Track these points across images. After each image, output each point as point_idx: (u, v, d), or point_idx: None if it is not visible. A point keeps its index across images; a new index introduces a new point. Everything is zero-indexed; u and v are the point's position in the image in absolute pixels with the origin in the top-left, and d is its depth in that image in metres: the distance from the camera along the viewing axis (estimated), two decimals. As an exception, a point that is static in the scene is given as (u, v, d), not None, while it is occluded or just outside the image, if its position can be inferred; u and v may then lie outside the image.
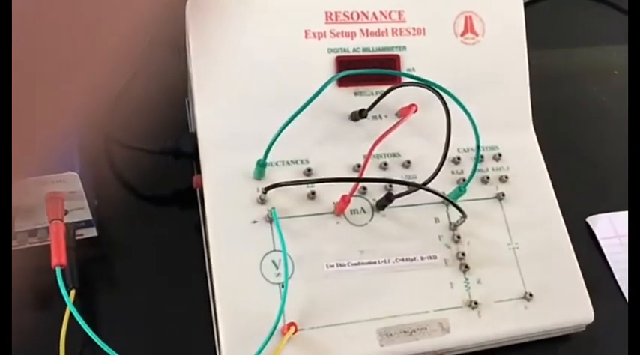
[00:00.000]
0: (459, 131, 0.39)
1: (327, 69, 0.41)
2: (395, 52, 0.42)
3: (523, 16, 0.45)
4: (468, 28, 0.43)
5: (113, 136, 0.45)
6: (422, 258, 0.39)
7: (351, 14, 0.42)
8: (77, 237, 0.39)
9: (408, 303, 0.38)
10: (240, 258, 0.37)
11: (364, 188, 0.40)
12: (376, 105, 0.41)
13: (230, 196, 0.38)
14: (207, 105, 0.39)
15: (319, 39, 0.41)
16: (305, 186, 0.39)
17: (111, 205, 0.42)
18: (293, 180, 0.38)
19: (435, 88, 0.39)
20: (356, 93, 0.41)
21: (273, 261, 0.37)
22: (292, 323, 0.35)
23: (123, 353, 0.33)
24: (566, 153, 0.51)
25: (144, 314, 0.39)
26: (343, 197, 0.38)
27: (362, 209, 0.40)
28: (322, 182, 0.38)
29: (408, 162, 0.41)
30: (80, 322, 0.34)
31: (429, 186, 0.38)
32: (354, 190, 0.38)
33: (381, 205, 0.39)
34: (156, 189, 0.45)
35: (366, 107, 0.41)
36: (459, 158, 0.42)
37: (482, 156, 0.43)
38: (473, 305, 0.38)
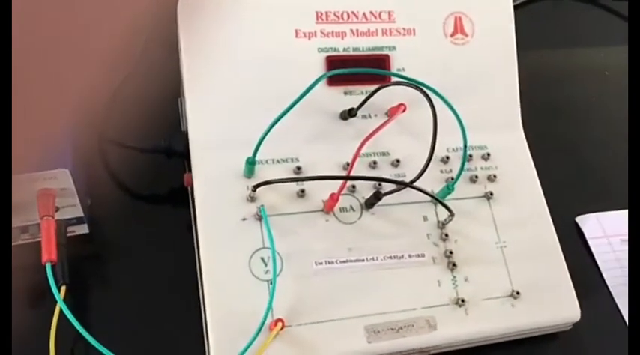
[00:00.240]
0: (447, 130, 0.39)
1: (317, 68, 0.41)
2: (385, 52, 0.42)
3: (513, 16, 0.45)
4: (458, 28, 0.44)
5: (107, 135, 0.45)
6: (410, 256, 0.39)
7: (342, 14, 0.42)
8: (68, 234, 0.39)
9: (395, 300, 0.38)
10: (230, 255, 0.37)
11: (353, 186, 0.40)
12: (366, 105, 0.41)
13: (220, 194, 0.38)
14: (197, 104, 0.40)
15: (309, 39, 0.41)
16: (294, 183, 0.39)
17: (103, 203, 0.42)
18: (282, 177, 0.38)
19: (422, 87, 0.39)
20: (346, 93, 0.42)
21: (262, 258, 0.37)
22: (280, 320, 0.36)
23: (113, 350, 0.33)
24: (556, 153, 0.51)
25: (134, 311, 0.39)
26: (332, 195, 0.39)
27: (351, 207, 0.40)
28: (311, 180, 0.39)
29: (397, 160, 0.42)
30: (70, 318, 0.34)
31: (417, 184, 0.38)
32: (342, 188, 0.39)
33: (370, 203, 0.40)
34: (149, 187, 0.46)
35: (356, 106, 0.41)
36: (447, 157, 0.42)
37: (470, 156, 0.43)
38: (460, 302, 0.38)
